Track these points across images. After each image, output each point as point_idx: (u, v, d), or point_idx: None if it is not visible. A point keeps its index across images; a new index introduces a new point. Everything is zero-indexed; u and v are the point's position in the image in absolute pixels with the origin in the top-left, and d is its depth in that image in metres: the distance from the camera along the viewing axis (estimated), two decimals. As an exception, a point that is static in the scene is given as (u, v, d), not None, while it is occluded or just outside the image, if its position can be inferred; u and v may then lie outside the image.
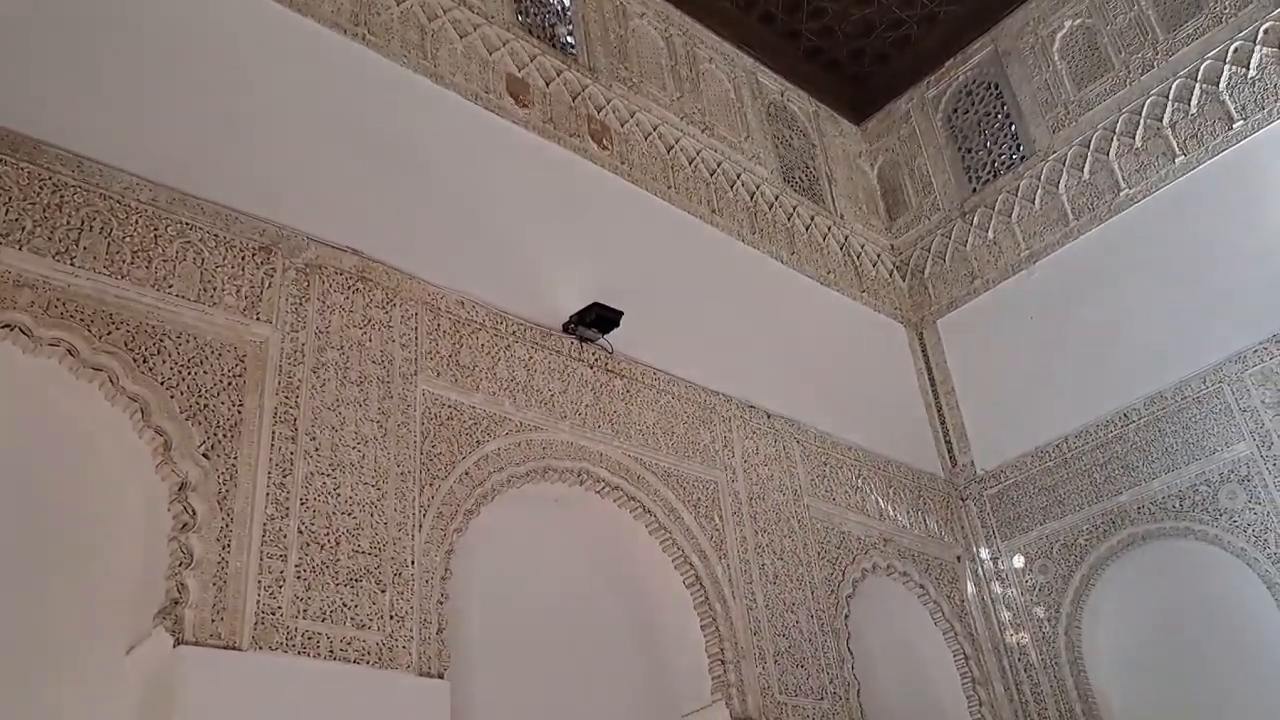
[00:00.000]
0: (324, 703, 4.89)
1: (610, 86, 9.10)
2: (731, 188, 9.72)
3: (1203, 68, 9.37)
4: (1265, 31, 9.02)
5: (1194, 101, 9.37)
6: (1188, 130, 9.36)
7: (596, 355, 7.37)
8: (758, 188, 10.03)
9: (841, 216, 10.99)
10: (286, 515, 5.18)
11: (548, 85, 8.48)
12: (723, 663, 6.81)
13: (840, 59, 11.54)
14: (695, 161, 9.48)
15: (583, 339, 7.33)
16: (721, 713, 6.64)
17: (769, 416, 8.47)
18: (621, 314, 7.37)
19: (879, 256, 11.17)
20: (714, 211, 9.37)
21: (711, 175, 9.58)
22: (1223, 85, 9.20)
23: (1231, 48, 9.21)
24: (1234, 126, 9.05)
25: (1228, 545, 8.21)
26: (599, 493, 6.96)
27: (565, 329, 7.31)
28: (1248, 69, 9.06)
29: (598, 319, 7.30)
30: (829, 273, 10.36)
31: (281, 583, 5.01)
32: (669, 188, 9.04)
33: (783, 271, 9.81)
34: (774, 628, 7.29)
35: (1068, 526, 9.16)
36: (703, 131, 9.79)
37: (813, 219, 10.53)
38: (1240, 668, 8.09)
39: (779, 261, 9.81)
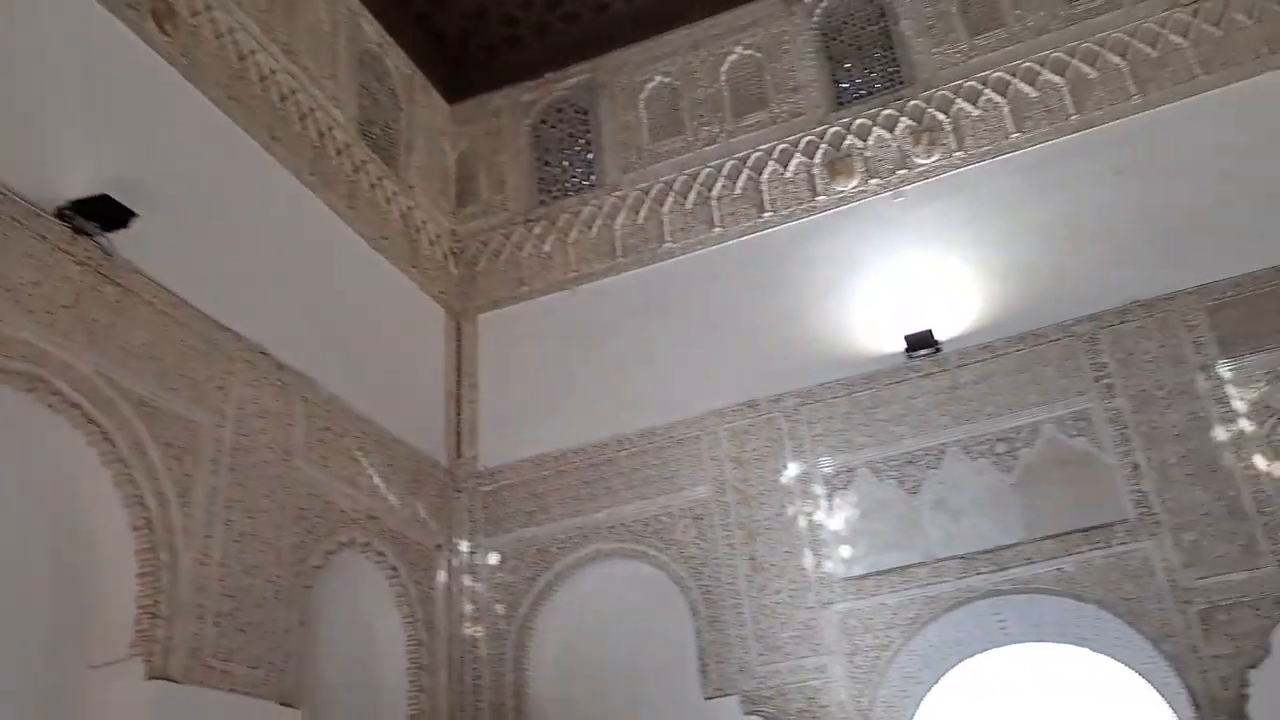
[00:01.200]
0: None
1: (191, -31, 8.12)
2: (301, 121, 9.11)
3: (753, 157, 10.53)
4: (806, 143, 10.35)
5: (740, 183, 10.48)
6: (728, 207, 10.44)
7: (91, 253, 6.45)
8: (329, 130, 9.51)
9: (411, 187, 10.79)
10: None
11: (114, -60, 7.35)
12: (153, 616, 6.21)
13: (448, 35, 11.41)
14: (267, 81, 8.76)
15: (79, 230, 6.37)
16: (136, 669, 6.04)
17: (280, 367, 7.99)
18: (134, 215, 6.54)
19: (438, 238, 11.11)
20: (274, 139, 8.70)
21: (282, 101, 8.91)
22: (764, 177, 10.40)
23: (779, 148, 10.46)
24: (764, 215, 10.26)
25: (671, 573, 9.16)
26: (51, 406, 6.05)
27: (60, 214, 6.31)
28: (785, 169, 10.34)
29: (103, 212, 6.41)
30: (384, 239, 10.09)
31: None
32: (229, 99, 8.24)
33: (334, 223, 9.37)
34: (224, 587, 6.81)
35: (546, 533, 9.67)
36: (284, 53, 9.07)
37: (380, 180, 10.21)
38: (661, 685, 8.94)
39: (333, 211, 9.36)
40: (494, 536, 9.85)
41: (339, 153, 9.60)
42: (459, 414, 10.55)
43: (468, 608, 9.59)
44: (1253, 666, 7.27)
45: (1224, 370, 8.11)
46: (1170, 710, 8.68)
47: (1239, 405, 7.98)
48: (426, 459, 9.84)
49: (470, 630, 9.49)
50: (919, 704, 9.58)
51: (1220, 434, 7.95)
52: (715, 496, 9.28)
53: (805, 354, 9.52)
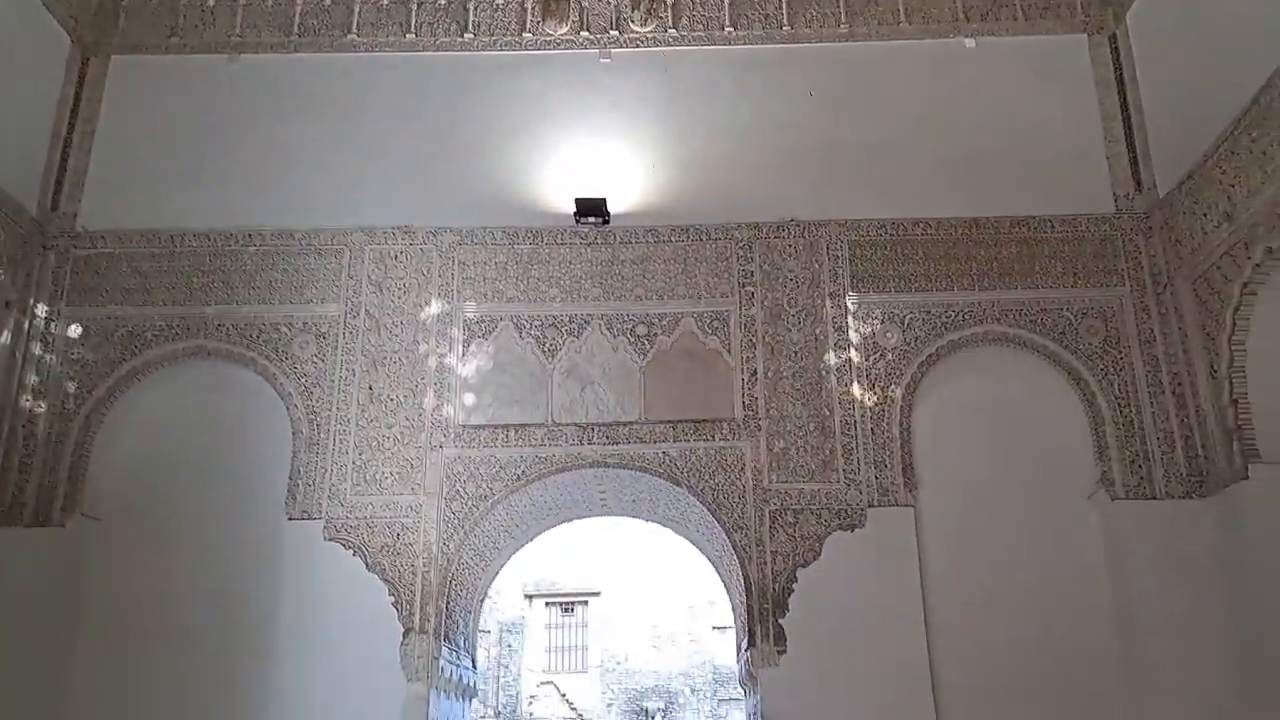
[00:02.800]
0: None
1: None
2: None
3: (466, -29, 9.70)
4: (525, -27, 9.71)
5: (446, -5, 9.66)
6: (429, 16, 9.58)
7: None
8: None
9: (54, -122, 8.87)
10: None
11: None
12: None
13: None
14: None
15: None
16: None
17: None
18: None
19: (79, -49, 9.28)
20: None
21: None
22: (474, -6, 9.65)
23: (497, -31, 9.71)
24: (464, 37, 9.52)
25: (279, 386, 8.50)
26: None
27: None
28: (499, -5, 9.65)
29: None
30: (4, -72, 8.24)
31: None
32: None
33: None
34: None
35: (143, 316, 8.61)
36: None
37: None
38: (242, 497, 8.24)
39: None
40: (80, 307, 8.62)
41: None
42: (64, 161, 9.04)
43: (32, 379, 8.36)
44: (804, 566, 8.03)
45: (850, 302, 8.72)
46: (728, 595, 9.51)
47: (854, 336, 8.63)
48: (11, 203, 8.33)
49: (30, 404, 8.29)
50: (509, 556, 9.79)
51: (831, 359, 8.57)
52: (346, 317, 8.70)
53: (476, 192, 9.08)
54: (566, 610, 22.36)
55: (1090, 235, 8.81)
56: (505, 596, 21.70)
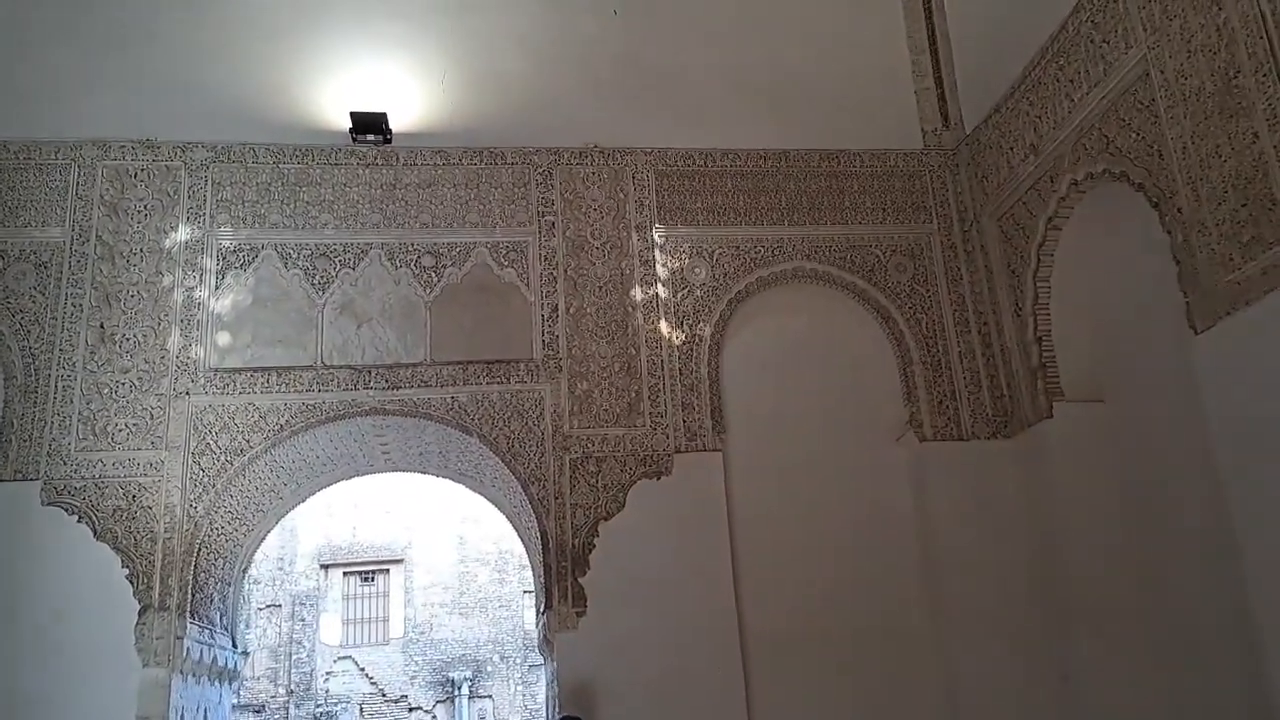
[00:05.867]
0: None
1: None
2: None
3: None
4: None
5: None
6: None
7: None
8: None
9: None
10: None
11: None
12: None
13: None
14: None
15: None
16: None
17: None
18: None
19: None
20: None
21: None
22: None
23: None
24: (225, -75, 8.27)
25: (-14, 324, 7.13)
26: None
27: None
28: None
29: None
30: None
31: None
32: None
33: None
34: None
35: None
36: None
37: None
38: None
39: None
40: None
41: None
42: None
43: None
44: (606, 519, 7.39)
45: (657, 235, 8.11)
46: (527, 554, 8.79)
47: (661, 271, 8.04)
48: None
49: None
50: (277, 520, 8.71)
51: (637, 294, 7.95)
52: (73, 244, 7.39)
53: (234, 103, 7.91)
54: (366, 579, 21.08)
55: (899, 171, 8.54)
56: (299, 567, 20.25)
